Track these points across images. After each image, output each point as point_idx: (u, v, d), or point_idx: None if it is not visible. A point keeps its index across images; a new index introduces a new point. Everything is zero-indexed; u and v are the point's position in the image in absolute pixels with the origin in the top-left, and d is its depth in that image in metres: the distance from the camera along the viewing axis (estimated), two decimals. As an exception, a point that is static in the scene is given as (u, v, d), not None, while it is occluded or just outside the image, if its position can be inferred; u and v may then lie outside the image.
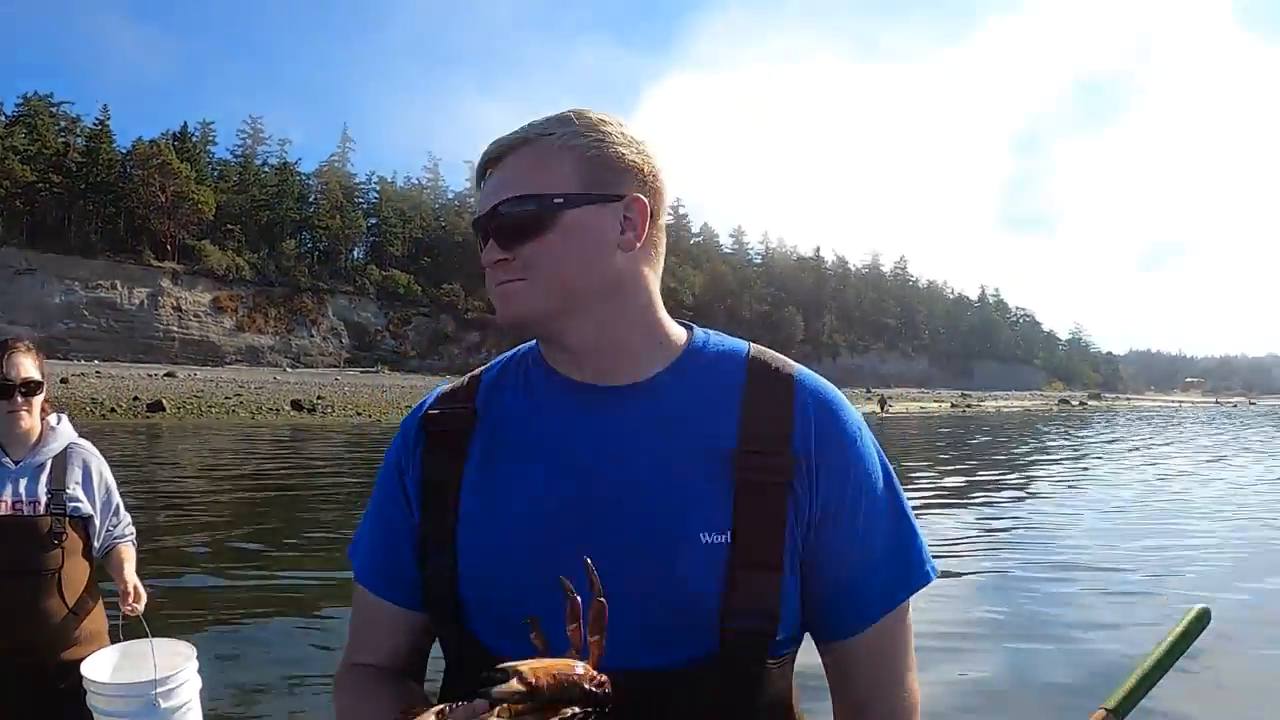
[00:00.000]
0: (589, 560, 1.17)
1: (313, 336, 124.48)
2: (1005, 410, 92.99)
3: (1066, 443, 41.66)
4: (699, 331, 1.49)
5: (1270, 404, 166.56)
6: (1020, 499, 19.35)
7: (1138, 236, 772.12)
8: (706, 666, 1.32)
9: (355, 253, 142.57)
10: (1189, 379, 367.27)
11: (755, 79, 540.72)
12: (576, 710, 1.07)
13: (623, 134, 1.41)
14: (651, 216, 1.40)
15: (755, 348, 1.48)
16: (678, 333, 1.47)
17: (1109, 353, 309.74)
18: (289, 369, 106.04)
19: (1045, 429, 54.88)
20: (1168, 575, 11.10)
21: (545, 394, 1.46)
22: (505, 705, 1.05)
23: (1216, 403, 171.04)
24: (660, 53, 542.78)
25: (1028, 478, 24.10)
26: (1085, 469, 27.90)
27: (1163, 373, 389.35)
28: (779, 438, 1.38)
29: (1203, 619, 1.63)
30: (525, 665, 1.06)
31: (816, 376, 1.46)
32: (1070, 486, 22.08)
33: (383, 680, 1.47)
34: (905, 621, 1.47)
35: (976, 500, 18.92)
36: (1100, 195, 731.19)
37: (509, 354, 1.56)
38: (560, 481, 1.38)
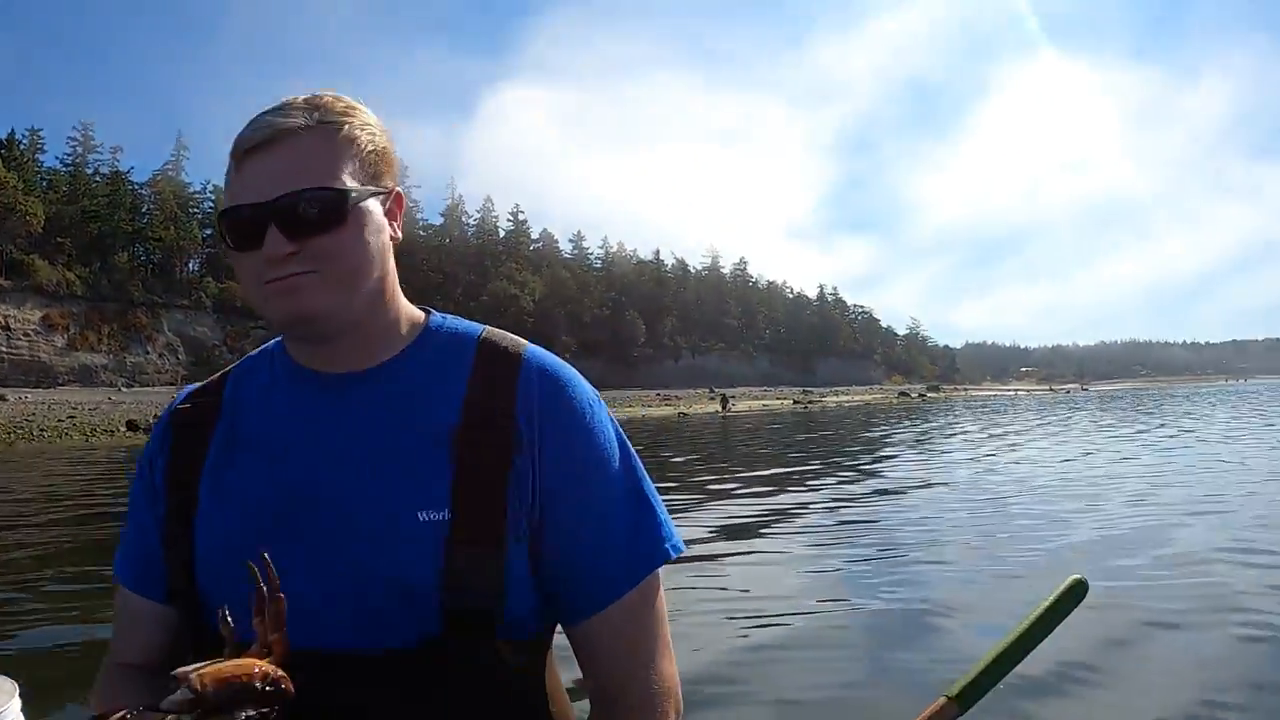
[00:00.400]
0: (265, 556, 1.16)
1: (148, 354, 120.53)
2: (847, 405, 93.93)
3: (897, 431, 42.69)
4: (436, 315, 1.54)
5: (1100, 389, 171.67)
6: (846, 482, 19.96)
7: (972, 233, 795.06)
8: (433, 647, 1.32)
9: (191, 265, 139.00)
10: (1024, 368, 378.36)
11: (592, 83, 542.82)
12: (251, 712, 1.05)
13: (380, 125, 1.45)
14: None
15: (489, 330, 1.52)
16: (416, 316, 1.52)
17: (946, 346, 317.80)
18: (124, 389, 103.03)
19: (881, 420, 56.05)
20: (989, 550, 11.11)
21: (284, 385, 1.48)
22: (175, 715, 1.03)
23: (1050, 390, 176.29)
24: (497, 57, 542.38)
25: (854, 464, 24.68)
26: (914, 454, 28.52)
27: (999, 363, 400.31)
28: (502, 415, 1.39)
29: (1077, 590, 1.54)
30: (196, 672, 1.04)
31: (548, 354, 1.50)
32: (888, 473, 22.44)
33: (129, 679, 1.47)
34: (653, 601, 1.48)
35: (806, 486, 19.39)
36: (934, 194, 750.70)
37: (261, 347, 1.60)
38: (286, 470, 1.40)
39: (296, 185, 1.32)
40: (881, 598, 8.68)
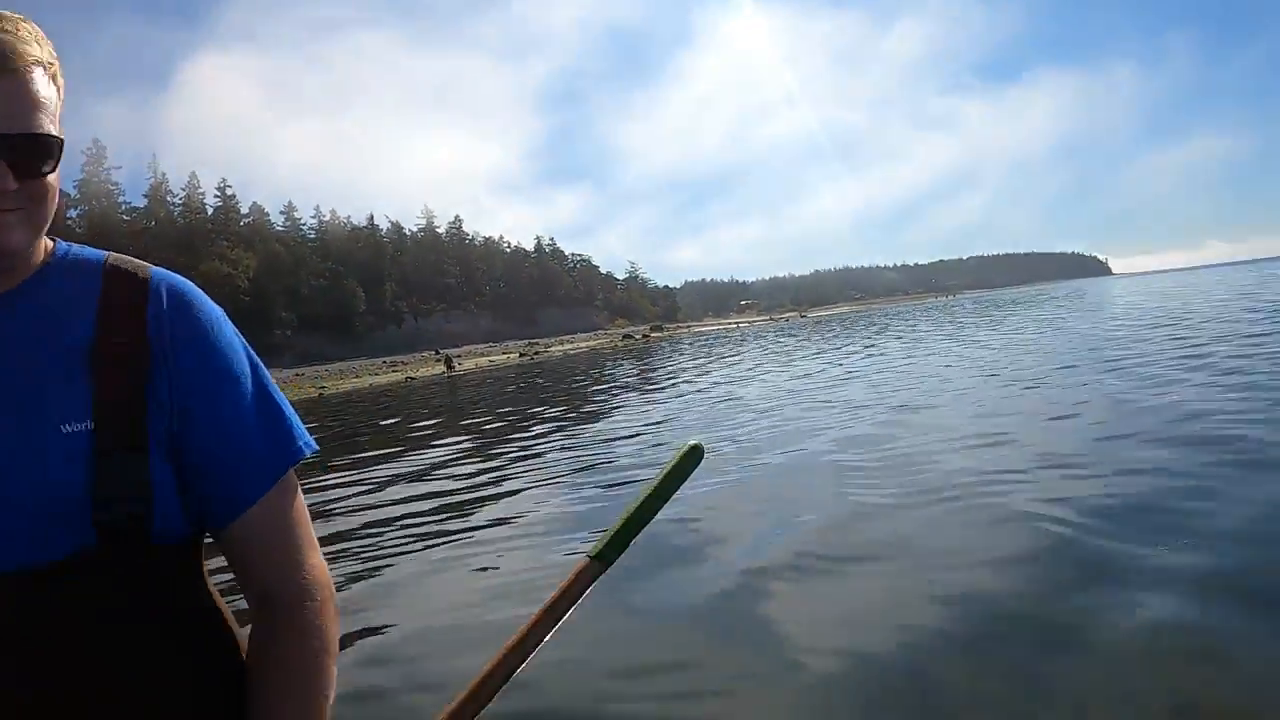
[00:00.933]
0: None
1: None
2: (572, 353, 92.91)
3: (608, 371, 44.10)
4: (62, 243, 1.53)
5: (817, 315, 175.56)
6: (537, 421, 21.63)
7: (683, 175, 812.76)
8: (89, 558, 1.32)
9: None
10: (744, 301, 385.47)
11: (294, 47, 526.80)
12: None
13: None
14: None
15: (114, 255, 1.53)
16: (47, 244, 1.50)
17: (666, 286, 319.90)
18: None
19: (586, 365, 57.12)
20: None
21: None
22: None
23: (770, 319, 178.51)
24: (193, 24, 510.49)
25: (556, 404, 25.74)
26: (611, 390, 30.33)
27: (719, 298, 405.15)
28: (135, 330, 1.43)
29: (695, 453, 1.66)
30: None
31: (173, 274, 1.55)
32: (585, 408, 24.54)
33: None
34: (293, 498, 1.56)
35: (504, 428, 20.97)
36: (643, 140, 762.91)
37: None
38: None
39: (34, 126, 1.33)
40: (538, 509, 10.41)
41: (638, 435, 16.27)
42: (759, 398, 20.59)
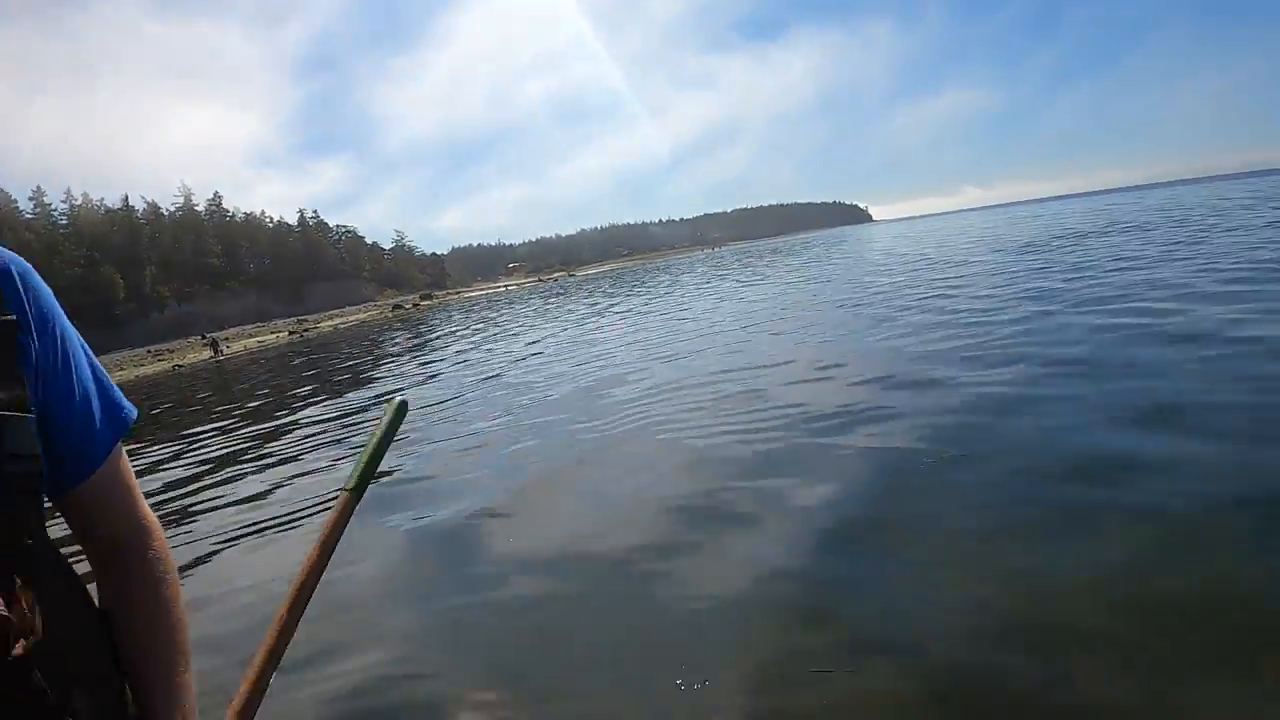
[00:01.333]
0: None
1: None
2: (342, 327, 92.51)
3: (382, 344, 45.12)
4: None
5: (585, 273, 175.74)
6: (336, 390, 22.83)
7: (445, 141, 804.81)
8: None
9: None
10: (511, 264, 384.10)
11: (32, 16, 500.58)
12: None
13: None
14: None
15: None
16: None
17: (434, 254, 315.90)
18: None
19: (372, 335, 57.01)
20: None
21: None
22: None
23: (539, 280, 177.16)
24: None
25: (303, 381, 27.07)
26: (365, 359, 32.51)
27: (487, 262, 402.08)
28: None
29: (402, 409, 1.96)
30: None
31: (7, 250, 1.52)
32: (337, 381, 25.43)
33: None
34: (123, 457, 1.66)
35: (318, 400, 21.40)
36: (403, 106, 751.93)
37: None
38: None
39: None
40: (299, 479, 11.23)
41: (394, 397, 18.53)
42: (504, 357, 22.40)
